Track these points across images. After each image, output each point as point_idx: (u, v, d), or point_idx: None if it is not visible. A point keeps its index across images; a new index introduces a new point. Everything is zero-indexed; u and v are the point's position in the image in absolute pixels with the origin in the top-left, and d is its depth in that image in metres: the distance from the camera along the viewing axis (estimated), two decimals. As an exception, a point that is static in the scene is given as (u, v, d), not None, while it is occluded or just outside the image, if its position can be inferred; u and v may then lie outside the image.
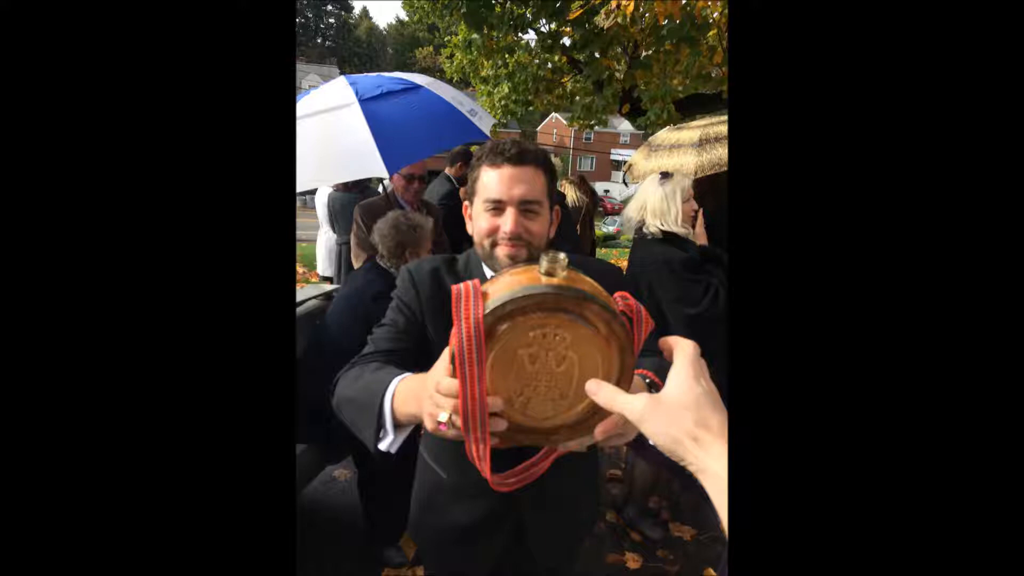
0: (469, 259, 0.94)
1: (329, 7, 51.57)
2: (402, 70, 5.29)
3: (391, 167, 1.87)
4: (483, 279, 0.59)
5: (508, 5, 4.76)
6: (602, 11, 4.53)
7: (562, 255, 0.51)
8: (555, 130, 32.29)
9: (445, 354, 0.56)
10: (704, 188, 2.09)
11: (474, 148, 2.74)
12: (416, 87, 2.20)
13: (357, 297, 1.75)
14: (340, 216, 3.14)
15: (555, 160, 1.30)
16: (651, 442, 0.45)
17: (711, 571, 1.96)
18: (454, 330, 0.50)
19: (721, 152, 2.10)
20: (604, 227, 14.44)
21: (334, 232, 3.32)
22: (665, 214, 1.72)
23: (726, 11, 4.01)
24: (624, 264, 1.84)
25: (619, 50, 5.24)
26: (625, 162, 3.37)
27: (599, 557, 2.01)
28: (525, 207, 0.83)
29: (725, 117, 2.46)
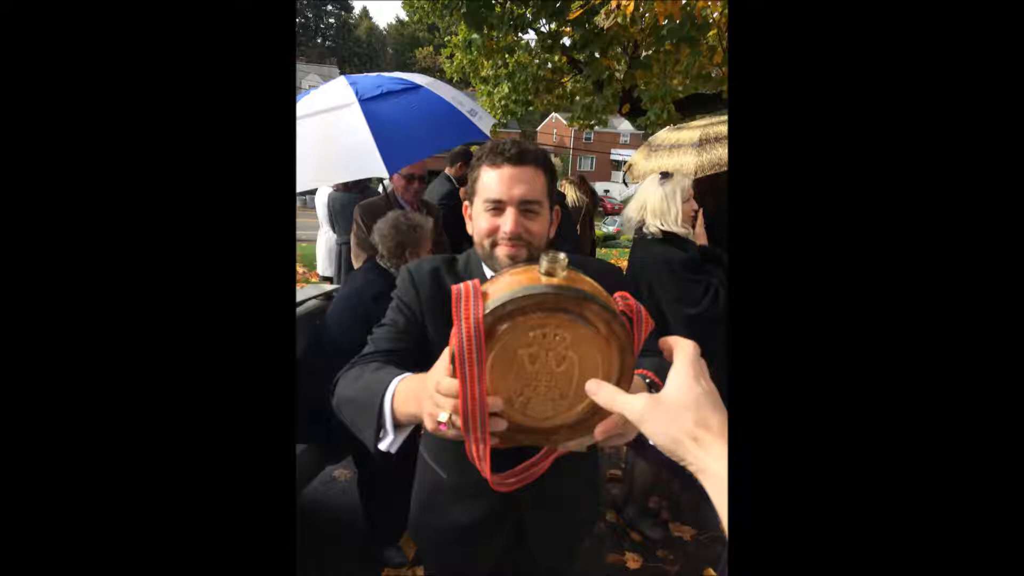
0: (469, 259, 0.94)
1: (329, 7, 51.57)
2: (402, 70, 5.28)
3: (391, 167, 1.87)
4: (483, 279, 0.59)
5: (508, 5, 4.76)
6: (602, 11, 4.53)
7: (562, 255, 0.51)
8: (555, 130, 32.28)
9: (445, 354, 0.56)
10: (704, 188, 2.09)
11: (474, 148, 2.74)
12: (416, 87, 2.20)
13: (357, 297, 1.75)
14: (340, 216, 3.14)
15: (555, 160, 1.30)
16: (651, 442, 0.45)
17: (711, 571, 1.96)
18: (454, 330, 0.50)
19: (721, 152, 2.10)
20: (604, 227, 14.43)
21: (334, 232, 3.32)
22: (665, 214, 1.72)
23: (726, 11, 4.01)
24: (624, 264, 1.84)
25: (619, 50, 5.24)
26: (625, 162, 3.36)
27: (599, 557, 2.01)
28: (525, 207, 0.83)
29: (725, 117, 2.46)
